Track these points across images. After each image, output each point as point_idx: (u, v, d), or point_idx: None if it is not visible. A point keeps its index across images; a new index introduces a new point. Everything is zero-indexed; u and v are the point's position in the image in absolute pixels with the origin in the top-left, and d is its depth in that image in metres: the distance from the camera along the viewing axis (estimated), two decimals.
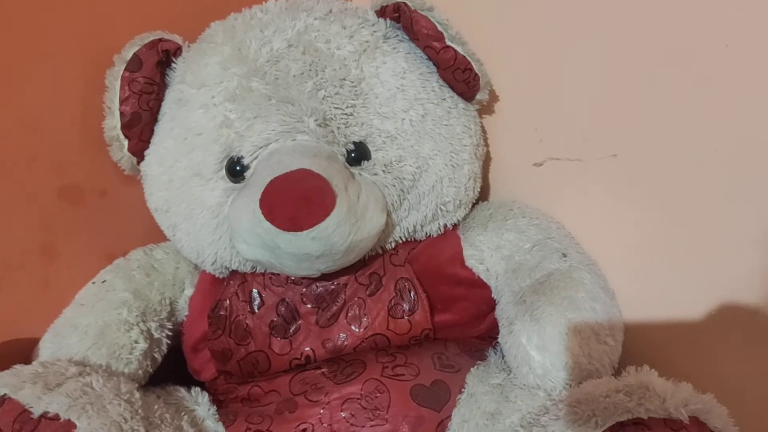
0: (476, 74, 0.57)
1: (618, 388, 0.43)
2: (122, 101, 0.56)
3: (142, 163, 0.59)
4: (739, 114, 0.45)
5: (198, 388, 0.57)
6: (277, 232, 0.47)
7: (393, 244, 0.58)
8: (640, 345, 0.55)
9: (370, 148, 0.55)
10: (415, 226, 0.57)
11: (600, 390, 0.44)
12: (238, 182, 0.54)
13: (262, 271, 0.58)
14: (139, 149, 0.58)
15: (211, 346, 0.58)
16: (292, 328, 0.56)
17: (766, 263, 0.46)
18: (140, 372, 0.55)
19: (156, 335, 0.57)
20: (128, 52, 0.56)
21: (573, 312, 0.51)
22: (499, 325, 0.55)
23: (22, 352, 0.55)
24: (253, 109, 0.53)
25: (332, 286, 0.56)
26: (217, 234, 0.55)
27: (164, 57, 0.57)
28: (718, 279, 0.49)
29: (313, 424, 0.51)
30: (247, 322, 0.56)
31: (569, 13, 0.56)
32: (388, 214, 0.55)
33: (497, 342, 0.56)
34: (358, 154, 0.54)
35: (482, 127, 0.63)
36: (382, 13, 0.58)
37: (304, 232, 0.47)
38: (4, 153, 0.53)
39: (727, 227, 0.48)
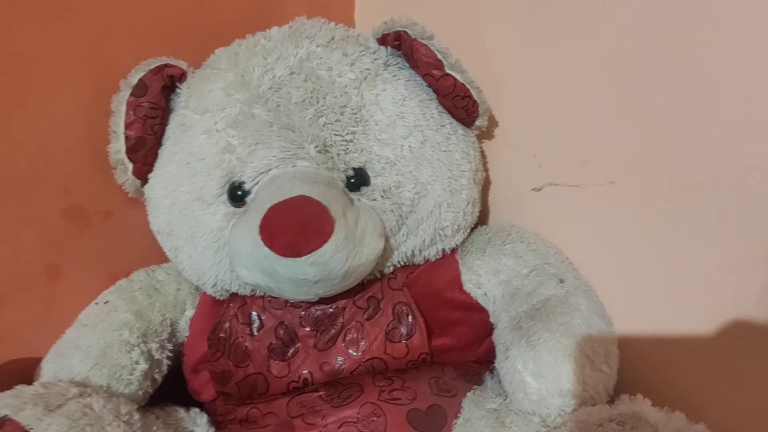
0: (475, 101, 0.58)
1: (611, 416, 0.43)
2: (127, 125, 0.57)
3: (145, 186, 0.60)
4: (735, 140, 0.46)
5: (197, 409, 0.58)
6: (276, 258, 0.48)
7: (391, 269, 0.58)
8: (638, 369, 0.55)
9: (370, 174, 0.55)
10: (413, 251, 0.58)
11: (593, 418, 0.44)
12: (239, 207, 0.55)
13: (262, 294, 0.58)
14: (143, 173, 0.59)
15: (210, 367, 0.58)
16: (291, 351, 0.56)
17: (761, 285, 0.46)
18: (140, 393, 0.56)
19: (156, 356, 0.58)
20: (134, 78, 0.57)
21: (569, 339, 0.51)
22: (496, 350, 0.55)
23: (25, 371, 0.56)
24: (255, 135, 0.54)
25: (330, 310, 0.57)
26: (217, 258, 0.56)
27: (169, 82, 0.58)
28: (716, 303, 0.49)
29: None
30: (246, 344, 0.57)
31: (568, 40, 0.57)
32: (387, 239, 0.55)
33: (494, 366, 0.56)
34: (358, 180, 0.55)
35: (481, 152, 0.64)
36: (383, 41, 0.59)
37: (303, 258, 0.48)
38: (11, 173, 0.54)
39: (723, 251, 0.48)
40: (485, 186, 0.67)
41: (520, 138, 0.64)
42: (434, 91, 0.59)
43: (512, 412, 0.52)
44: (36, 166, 0.56)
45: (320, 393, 0.55)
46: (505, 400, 0.53)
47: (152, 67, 0.57)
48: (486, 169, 0.66)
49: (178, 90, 0.59)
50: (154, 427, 0.51)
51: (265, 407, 0.56)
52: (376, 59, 0.58)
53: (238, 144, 0.54)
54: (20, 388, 0.47)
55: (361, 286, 0.57)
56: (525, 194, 0.64)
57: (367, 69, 0.57)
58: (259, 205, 0.51)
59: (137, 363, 0.55)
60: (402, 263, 0.59)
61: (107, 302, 0.59)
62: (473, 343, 0.60)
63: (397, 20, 0.58)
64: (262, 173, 0.54)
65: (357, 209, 0.53)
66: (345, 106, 0.55)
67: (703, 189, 0.49)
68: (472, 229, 0.63)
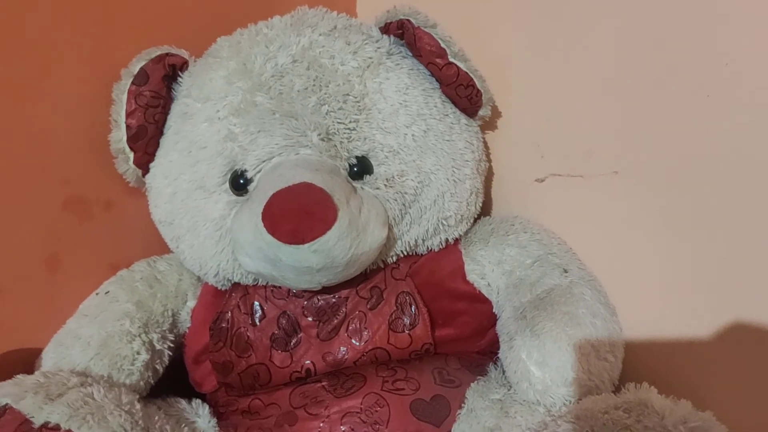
0: (478, 90, 0.58)
1: (617, 404, 0.43)
2: (128, 114, 0.56)
3: (147, 176, 0.59)
4: (740, 131, 0.46)
5: (199, 400, 0.58)
6: (279, 245, 0.48)
7: (394, 258, 0.58)
8: (641, 361, 0.55)
9: (373, 162, 0.55)
10: (416, 240, 0.58)
11: (599, 406, 0.43)
12: (241, 195, 0.55)
13: (264, 284, 0.58)
14: (144, 162, 0.59)
15: (212, 358, 0.58)
16: (293, 341, 0.56)
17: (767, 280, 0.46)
18: (141, 383, 0.55)
19: (158, 347, 0.57)
20: (135, 66, 0.57)
21: (573, 328, 0.51)
22: (500, 340, 0.55)
23: (25, 361, 0.55)
24: (257, 123, 0.54)
25: (333, 300, 0.57)
26: (219, 246, 0.55)
27: (170, 71, 0.58)
28: (719, 295, 0.49)
29: None
30: (248, 334, 0.57)
31: (572, 30, 0.57)
32: (390, 228, 0.55)
33: (498, 357, 0.56)
34: (361, 169, 0.55)
35: (484, 142, 0.63)
36: (386, 29, 0.59)
37: (306, 245, 0.47)
38: (12, 163, 0.54)
39: (728, 245, 0.48)
40: (488, 177, 0.67)
41: (523, 128, 0.64)
42: (437, 80, 0.58)
43: (516, 402, 0.52)
44: (36, 156, 0.56)
45: (323, 383, 0.55)
46: (509, 390, 0.53)
47: (154, 55, 0.57)
48: (489, 160, 0.65)
49: (179, 79, 0.59)
50: (156, 417, 0.50)
51: (267, 398, 0.56)
52: (378, 48, 0.57)
53: (240, 132, 0.54)
54: (21, 377, 0.47)
55: (364, 276, 0.57)
56: (528, 185, 0.64)
57: (370, 57, 0.57)
58: (261, 193, 0.50)
59: (138, 353, 0.55)
60: (405, 253, 0.58)
61: (108, 292, 0.59)
62: (477, 333, 0.60)
63: (400, 9, 0.57)
64: (264, 161, 0.54)
65: (360, 197, 0.52)
66: (348, 95, 0.55)
67: (707, 178, 0.48)
68: (475, 220, 0.63)
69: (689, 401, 0.43)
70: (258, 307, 0.57)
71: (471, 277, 0.59)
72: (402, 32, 0.58)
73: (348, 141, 0.54)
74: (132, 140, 0.57)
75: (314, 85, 0.55)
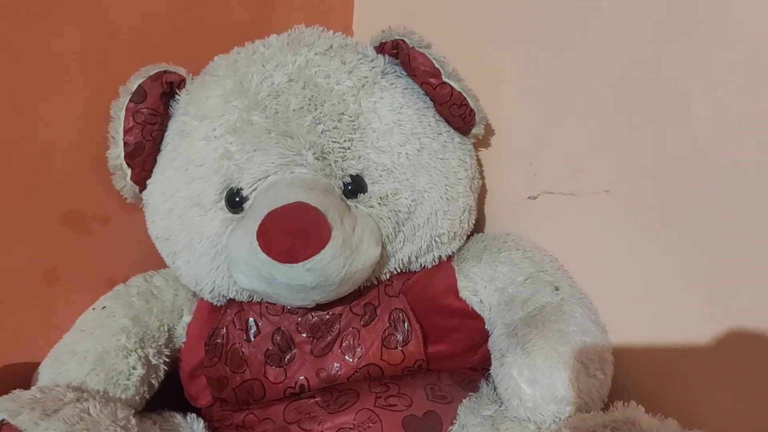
0: (472, 110, 0.59)
1: (605, 423, 0.43)
2: (126, 131, 0.57)
3: (144, 192, 0.60)
4: (727, 151, 0.46)
5: (194, 415, 0.58)
6: (273, 264, 0.48)
7: (388, 275, 0.59)
8: (631, 378, 0.55)
9: (367, 181, 0.56)
10: (409, 258, 0.58)
11: (587, 424, 0.44)
12: (236, 213, 0.55)
13: (259, 300, 0.58)
14: (141, 178, 0.59)
15: (207, 373, 0.58)
16: (287, 357, 0.57)
17: (756, 293, 0.47)
18: (137, 398, 0.56)
19: (154, 361, 0.58)
20: (133, 84, 0.57)
21: (564, 345, 0.51)
22: (492, 357, 0.56)
23: (22, 376, 0.56)
24: (253, 141, 0.54)
25: (327, 316, 0.57)
26: (215, 263, 0.56)
27: (168, 89, 0.59)
28: (710, 311, 0.50)
29: None
30: (243, 350, 0.57)
31: (564, 50, 0.58)
32: (383, 246, 0.55)
33: (490, 373, 0.56)
34: (355, 187, 0.55)
35: (478, 160, 0.64)
36: (381, 49, 0.59)
37: (300, 264, 0.48)
38: (10, 178, 0.54)
39: (717, 259, 0.48)
40: (481, 194, 0.67)
41: (516, 146, 0.65)
42: (431, 100, 0.59)
43: (507, 418, 0.52)
44: (34, 171, 0.56)
45: (316, 399, 0.55)
46: (500, 406, 0.53)
47: (152, 73, 0.58)
48: (482, 177, 0.66)
49: (177, 96, 0.59)
50: None
51: (261, 413, 0.56)
52: (374, 67, 0.58)
53: (236, 150, 0.55)
54: (17, 393, 0.47)
55: (358, 293, 0.57)
56: (521, 202, 0.65)
57: (365, 77, 0.57)
58: (256, 211, 0.51)
59: (134, 368, 0.55)
60: (398, 270, 0.59)
61: (104, 307, 0.59)
62: (469, 350, 0.60)
63: (395, 29, 0.58)
64: (260, 180, 0.54)
65: (354, 216, 0.53)
66: (343, 114, 0.55)
67: (697, 197, 0.49)
68: (468, 237, 0.64)
69: (676, 420, 0.43)
70: (253, 323, 0.58)
71: (463, 293, 0.60)
72: (397, 52, 0.58)
73: (342, 160, 0.55)
74: (129, 157, 0.58)
75: (310, 105, 0.55)
